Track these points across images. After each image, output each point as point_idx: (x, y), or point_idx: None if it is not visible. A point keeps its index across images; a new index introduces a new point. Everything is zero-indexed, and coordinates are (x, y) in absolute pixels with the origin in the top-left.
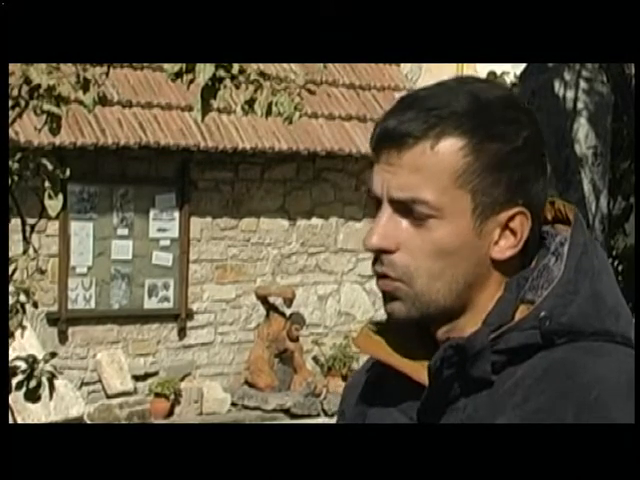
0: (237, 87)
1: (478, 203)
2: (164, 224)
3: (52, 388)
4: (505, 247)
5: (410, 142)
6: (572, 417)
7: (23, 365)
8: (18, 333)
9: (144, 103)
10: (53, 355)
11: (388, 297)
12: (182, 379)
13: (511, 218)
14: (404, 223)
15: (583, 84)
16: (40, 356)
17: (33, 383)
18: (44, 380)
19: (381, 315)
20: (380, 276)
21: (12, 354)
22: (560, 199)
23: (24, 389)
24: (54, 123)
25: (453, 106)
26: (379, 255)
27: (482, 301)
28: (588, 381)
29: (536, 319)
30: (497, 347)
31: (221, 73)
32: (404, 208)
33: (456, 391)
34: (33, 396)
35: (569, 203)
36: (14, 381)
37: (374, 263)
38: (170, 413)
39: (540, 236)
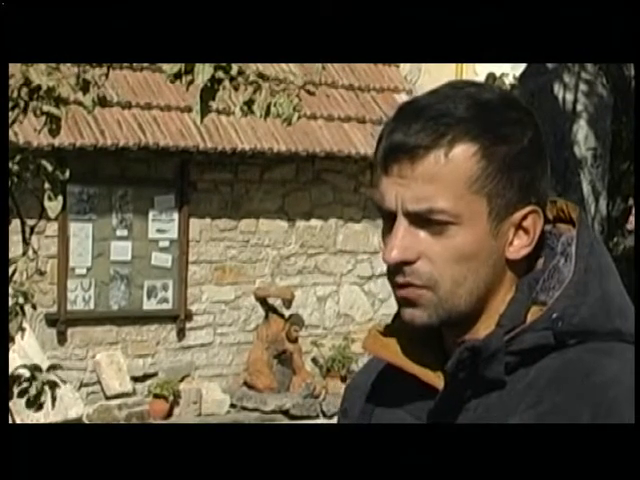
0: (236, 89)
1: (493, 206)
2: (163, 225)
3: (54, 398)
4: (519, 246)
5: (421, 153)
6: (588, 417)
7: (26, 373)
8: (18, 335)
9: (143, 104)
10: (55, 367)
11: (408, 304)
12: (181, 380)
13: (524, 217)
14: (422, 233)
15: (582, 86)
16: (38, 357)
17: (34, 391)
18: (46, 388)
19: (382, 316)
20: (402, 285)
21: (11, 355)
22: (562, 199)
23: (26, 397)
24: (54, 124)
25: (458, 112)
26: (400, 267)
27: (495, 302)
28: (604, 381)
29: (549, 320)
30: (510, 348)
31: (220, 74)
32: (421, 219)
33: (468, 392)
34: (34, 405)
35: (571, 203)
36: (16, 390)
37: (393, 275)
38: (169, 414)
39: (543, 236)
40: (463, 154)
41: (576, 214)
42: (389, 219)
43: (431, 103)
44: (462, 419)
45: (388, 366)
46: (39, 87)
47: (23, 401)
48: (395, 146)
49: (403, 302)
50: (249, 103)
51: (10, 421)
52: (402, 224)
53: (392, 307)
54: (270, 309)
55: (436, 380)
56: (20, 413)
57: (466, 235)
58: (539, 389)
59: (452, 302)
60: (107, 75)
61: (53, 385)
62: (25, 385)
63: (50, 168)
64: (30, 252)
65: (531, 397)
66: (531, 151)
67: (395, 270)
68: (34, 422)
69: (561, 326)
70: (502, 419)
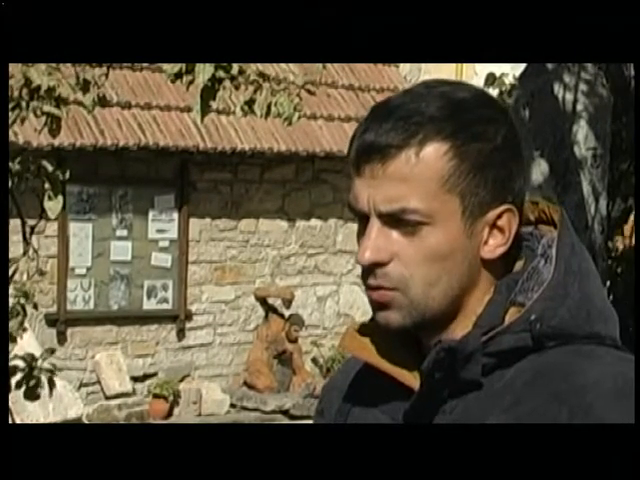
0: (237, 88)
1: (467, 205)
2: (163, 225)
3: (52, 386)
4: (494, 246)
5: (392, 152)
6: (566, 420)
7: (22, 364)
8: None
9: (143, 104)
10: (52, 352)
11: (381, 307)
12: (181, 380)
13: (499, 216)
14: (395, 234)
15: (583, 86)
16: (39, 355)
17: (32, 382)
18: (43, 378)
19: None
20: (374, 288)
21: (12, 355)
22: (555, 200)
23: (23, 388)
24: (54, 124)
25: (429, 111)
26: (372, 268)
27: (471, 303)
28: (582, 385)
29: (527, 322)
30: (488, 349)
31: (220, 74)
32: (393, 219)
33: (445, 393)
34: (32, 395)
35: (555, 204)
36: (13, 380)
37: (366, 277)
38: (169, 414)
39: (523, 237)
40: (434, 153)
41: (558, 216)
42: (362, 220)
43: (403, 102)
44: (438, 420)
45: (366, 366)
46: (39, 87)
47: (22, 395)
48: (366, 146)
49: (376, 305)
50: (250, 103)
51: (10, 421)
52: (375, 225)
53: None
54: (270, 309)
55: (412, 380)
56: (20, 413)
57: (439, 235)
58: (516, 391)
59: (425, 304)
60: (107, 75)
61: (50, 374)
62: (21, 376)
63: (50, 168)
64: (30, 252)
65: (508, 399)
66: (505, 149)
67: (367, 272)
68: (34, 422)
69: (539, 328)
70: (479, 421)
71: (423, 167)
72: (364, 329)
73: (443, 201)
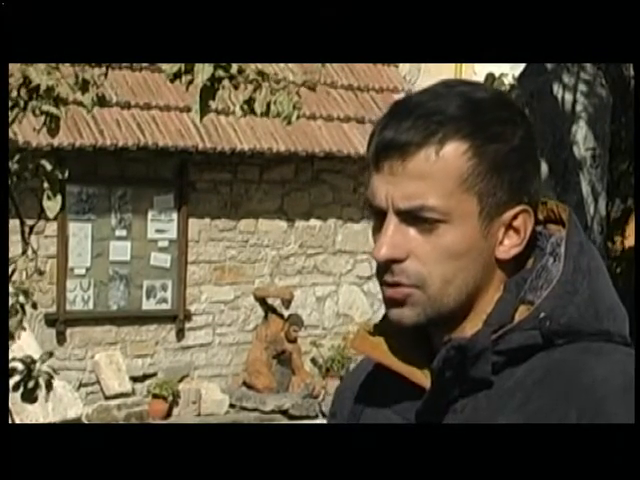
0: (236, 87)
1: (484, 205)
2: (162, 225)
3: (49, 389)
4: (510, 246)
5: (412, 150)
6: (575, 418)
7: (20, 366)
8: (17, 334)
9: (143, 104)
10: (50, 355)
11: (396, 303)
12: (180, 380)
13: (515, 217)
14: (412, 231)
15: (582, 86)
16: (37, 357)
17: (31, 384)
18: (41, 381)
19: (378, 317)
20: (390, 285)
21: (10, 355)
22: (555, 200)
23: (21, 390)
24: (53, 124)
25: (449, 110)
26: (389, 265)
27: (483, 301)
28: (592, 382)
29: (536, 320)
30: (497, 348)
31: (220, 73)
32: (411, 217)
33: (455, 392)
34: (30, 397)
35: (563, 204)
36: (11, 382)
37: (382, 273)
38: (168, 414)
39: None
40: (454, 152)
41: (566, 215)
42: (379, 216)
43: (423, 101)
44: (450, 419)
45: (377, 366)
46: (38, 86)
47: (19, 397)
48: (386, 143)
49: (390, 302)
50: (249, 102)
51: (10, 421)
52: (392, 221)
53: None
54: (269, 309)
55: (423, 379)
56: (20, 413)
57: (456, 234)
58: (527, 389)
59: (441, 301)
60: (106, 75)
61: (48, 377)
62: (19, 378)
63: (49, 167)
64: (29, 252)
65: (519, 397)
66: (522, 150)
67: (384, 269)
68: (34, 422)
69: (549, 326)
70: (490, 419)
71: (442, 165)
72: (375, 330)
73: (461, 200)
